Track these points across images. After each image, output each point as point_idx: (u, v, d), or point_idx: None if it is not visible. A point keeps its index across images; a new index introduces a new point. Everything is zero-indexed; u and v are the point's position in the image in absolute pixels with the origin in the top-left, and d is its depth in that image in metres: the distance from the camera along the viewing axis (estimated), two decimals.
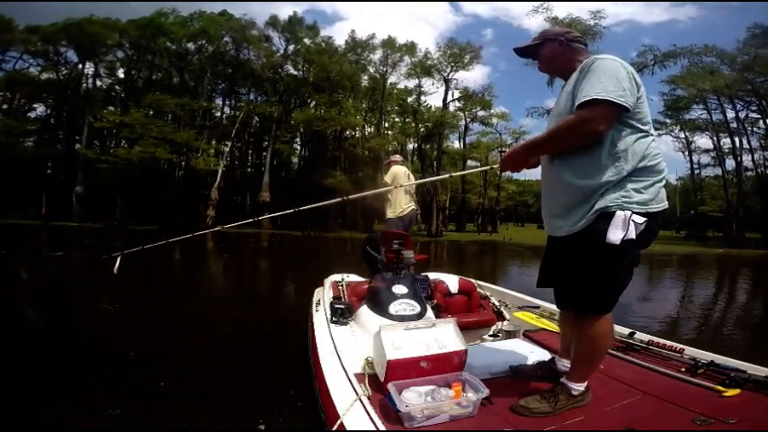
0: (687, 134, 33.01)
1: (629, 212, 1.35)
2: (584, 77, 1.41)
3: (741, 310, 6.04)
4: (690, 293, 7.60)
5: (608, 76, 1.36)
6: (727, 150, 29.26)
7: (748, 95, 26.16)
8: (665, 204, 1.47)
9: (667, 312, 5.50)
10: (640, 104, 1.42)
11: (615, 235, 1.34)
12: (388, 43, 30.22)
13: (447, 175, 3.29)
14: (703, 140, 33.63)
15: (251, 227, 25.06)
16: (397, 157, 4.33)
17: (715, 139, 30.07)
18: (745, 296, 7.75)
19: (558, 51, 1.62)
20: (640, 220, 1.36)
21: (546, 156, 1.63)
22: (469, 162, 37.92)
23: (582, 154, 1.44)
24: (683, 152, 34.63)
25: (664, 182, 1.47)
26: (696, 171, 35.02)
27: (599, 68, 1.39)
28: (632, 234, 1.35)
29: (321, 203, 2.66)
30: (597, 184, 1.41)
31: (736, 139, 27.69)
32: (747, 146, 27.74)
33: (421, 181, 4.69)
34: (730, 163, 29.27)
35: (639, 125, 1.43)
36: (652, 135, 1.47)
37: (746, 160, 28.23)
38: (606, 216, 1.38)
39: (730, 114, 27.59)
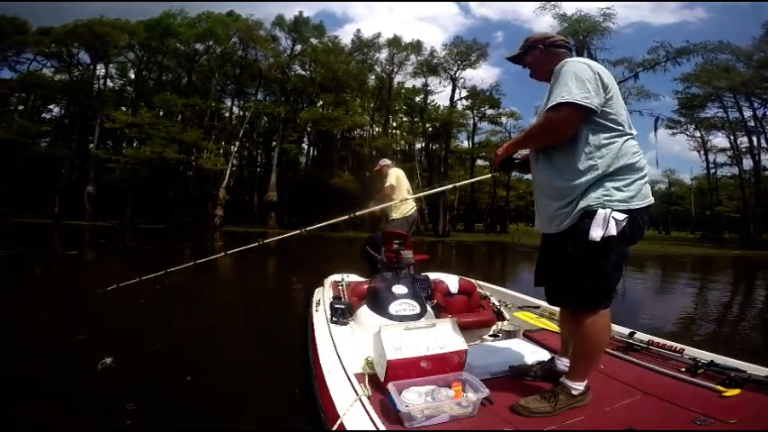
0: (702, 133, 32.43)
1: (609, 210, 1.41)
2: (555, 82, 1.48)
3: (759, 314, 5.89)
4: (705, 297, 7.44)
5: (573, 80, 1.42)
6: (744, 149, 28.67)
7: (766, 93, 25.52)
8: (650, 200, 1.51)
9: (682, 315, 5.42)
10: (611, 104, 1.47)
11: (596, 232, 1.40)
12: (394, 42, 30.25)
13: (450, 186, 3.33)
14: (719, 139, 32.95)
15: (257, 226, 25.29)
16: (388, 161, 4.36)
17: (731, 137, 29.48)
18: (764, 299, 7.56)
19: (539, 58, 1.68)
20: (621, 216, 1.42)
21: (532, 159, 1.69)
22: (478, 162, 37.75)
23: (560, 156, 1.51)
24: (698, 151, 34.07)
25: (646, 178, 1.52)
26: (712, 171, 34.39)
27: (566, 72, 1.45)
28: (613, 231, 1.40)
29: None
30: (577, 183, 1.47)
31: (754, 138, 27.08)
32: (765, 144, 27.11)
33: (424, 193, 4.63)
34: (747, 162, 28.69)
35: (612, 125, 1.48)
36: (629, 134, 1.51)
37: (764, 159, 27.62)
38: (589, 215, 1.44)
39: (747, 113, 27.00)
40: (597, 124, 1.47)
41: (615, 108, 1.48)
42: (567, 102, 1.40)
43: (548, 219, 1.58)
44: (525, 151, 1.81)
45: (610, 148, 1.46)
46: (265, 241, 3.02)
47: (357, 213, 2.87)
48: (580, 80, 1.42)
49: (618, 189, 1.45)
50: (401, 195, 4.04)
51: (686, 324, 4.98)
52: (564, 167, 1.50)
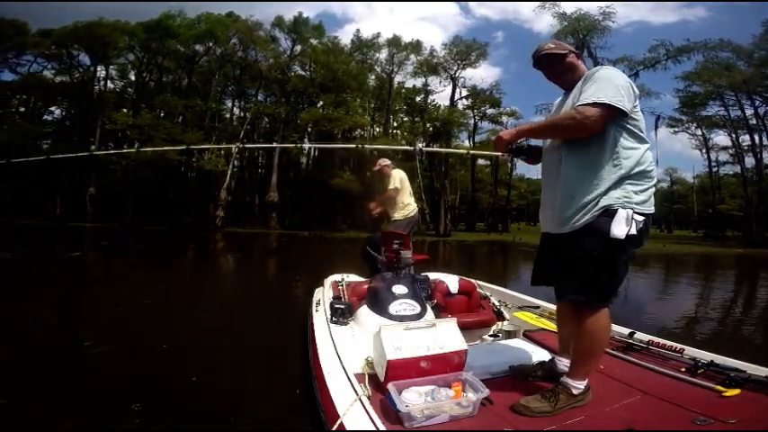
0: (704, 131, 32.26)
1: (630, 211, 1.48)
2: (588, 83, 1.56)
3: (763, 313, 5.86)
4: (708, 295, 7.42)
5: (608, 84, 1.52)
6: (746, 147, 28.57)
7: (767, 91, 25.44)
8: (653, 209, 1.59)
9: (686, 314, 5.42)
10: (636, 113, 1.56)
11: (620, 230, 1.46)
12: (394, 42, 30.24)
13: (465, 150, 3.31)
14: (721, 137, 32.84)
15: (258, 227, 25.32)
16: (387, 160, 4.39)
17: (733, 135, 29.38)
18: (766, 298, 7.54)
19: (575, 63, 1.75)
20: (640, 218, 1.50)
21: (551, 153, 1.72)
22: (480, 161, 37.70)
23: (588, 152, 1.56)
24: (700, 150, 33.92)
25: (654, 188, 1.60)
26: (714, 169, 34.28)
27: (601, 77, 1.55)
28: (634, 230, 1.48)
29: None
30: (600, 182, 1.52)
31: (756, 136, 26.97)
32: (767, 142, 26.92)
33: (437, 149, 4.66)
34: (750, 161, 28.61)
35: (637, 131, 1.56)
36: (647, 143, 1.59)
37: (766, 157, 27.31)
38: (609, 213, 1.49)
39: (749, 111, 26.86)
40: (625, 128, 1.55)
41: (639, 117, 1.58)
42: (601, 102, 1.48)
43: (562, 214, 1.60)
44: (537, 141, 1.84)
45: (634, 153, 1.54)
46: None
47: (367, 146, 2.80)
48: (614, 85, 1.51)
49: (636, 192, 1.53)
50: (405, 197, 4.11)
51: (690, 323, 4.98)
52: (590, 166, 1.56)
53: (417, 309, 2.30)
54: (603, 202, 1.50)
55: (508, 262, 13.48)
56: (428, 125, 31.66)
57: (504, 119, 34.24)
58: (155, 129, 24.35)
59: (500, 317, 3.00)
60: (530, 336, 2.44)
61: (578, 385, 1.58)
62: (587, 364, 1.61)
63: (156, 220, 23.93)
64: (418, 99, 33.38)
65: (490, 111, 33.69)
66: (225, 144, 30.23)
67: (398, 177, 4.12)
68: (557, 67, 1.74)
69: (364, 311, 2.41)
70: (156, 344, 3.19)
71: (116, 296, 5.30)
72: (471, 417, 1.50)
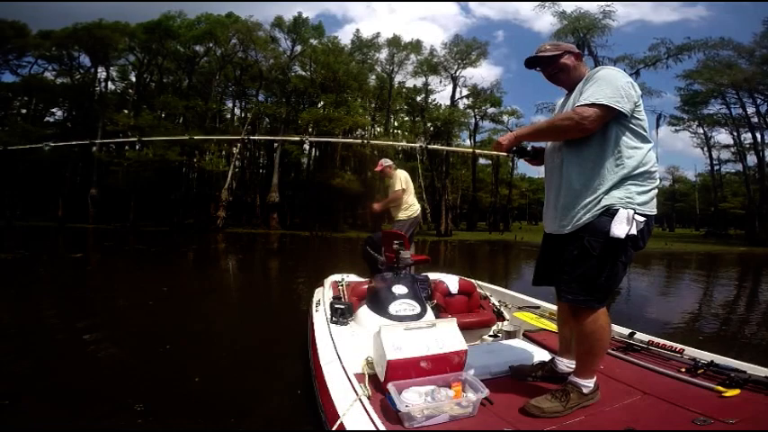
0: (705, 129, 32.20)
1: (631, 211, 1.47)
2: (588, 84, 1.57)
3: (764, 312, 5.86)
4: (712, 294, 7.40)
5: (608, 84, 1.52)
6: (747, 145, 28.49)
7: None
8: (656, 210, 1.58)
9: (689, 312, 5.43)
10: (639, 112, 1.56)
11: (620, 230, 1.45)
12: (394, 42, 30.25)
13: (469, 149, 3.33)
14: (722, 136, 32.72)
15: (260, 228, 25.34)
16: (389, 161, 4.44)
17: (735, 134, 29.32)
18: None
19: (575, 63, 1.74)
20: (641, 219, 1.49)
21: (553, 153, 1.72)
22: (481, 161, 37.70)
23: (590, 152, 1.56)
24: (701, 148, 33.84)
25: (657, 190, 1.59)
26: (716, 167, 34.21)
27: (601, 77, 1.56)
28: (634, 230, 1.46)
29: None
30: (602, 182, 1.52)
31: (757, 135, 26.90)
32: None
33: (441, 147, 4.74)
34: (752, 158, 28.51)
35: (640, 131, 1.56)
36: (651, 142, 1.58)
37: None
38: (610, 213, 1.49)
39: (750, 109, 26.82)
40: (627, 128, 1.55)
41: (641, 116, 1.58)
42: (599, 102, 1.49)
43: (564, 214, 1.61)
44: (541, 143, 1.84)
45: (636, 152, 1.54)
46: None
47: (372, 141, 2.75)
48: (614, 85, 1.51)
49: (638, 193, 1.53)
50: (409, 198, 4.18)
51: (691, 321, 4.97)
52: (593, 164, 1.56)
53: (417, 309, 2.30)
54: (605, 201, 1.50)
55: (510, 261, 13.45)
56: (429, 125, 31.66)
57: (505, 118, 34.28)
58: (156, 130, 24.38)
59: (500, 317, 3.00)
60: (530, 336, 2.44)
61: (588, 384, 1.58)
62: (593, 363, 1.61)
63: (158, 221, 23.98)
64: (419, 99, 33.42)
65: (491, 110, 33.73)
66: (227, 145, 30.32)
67: (403, 178, 4.19)
68: (550, 68, 1.74)
69: (364, 311, 2.41)
70: (157, 344, 3.20)
71: (117, 296, 5.33)
72: (471, 417, 1.49)
